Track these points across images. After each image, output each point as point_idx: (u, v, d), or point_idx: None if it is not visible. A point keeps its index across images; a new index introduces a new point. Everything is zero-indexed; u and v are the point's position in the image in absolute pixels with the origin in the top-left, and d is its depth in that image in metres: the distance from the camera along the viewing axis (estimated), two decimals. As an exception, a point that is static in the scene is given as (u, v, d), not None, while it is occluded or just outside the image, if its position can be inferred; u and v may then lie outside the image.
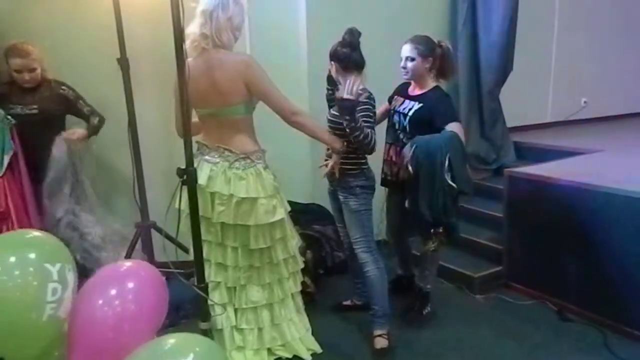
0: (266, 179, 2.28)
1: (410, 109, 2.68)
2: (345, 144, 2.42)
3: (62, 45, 3.09)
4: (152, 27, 3.10)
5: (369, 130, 2.37)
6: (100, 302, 1.64)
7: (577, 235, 2.86)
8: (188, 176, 2.03)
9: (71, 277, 1.63)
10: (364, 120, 2.38)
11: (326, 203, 3.08)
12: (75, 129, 2.91)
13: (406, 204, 2.66)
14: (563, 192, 2.91)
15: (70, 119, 3.03)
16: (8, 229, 2.61)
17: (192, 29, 2.14)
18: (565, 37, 4.86)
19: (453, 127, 2.56)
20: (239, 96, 2.17)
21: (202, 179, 2.20)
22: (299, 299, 2.60)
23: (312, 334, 2.62)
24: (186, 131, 2.04)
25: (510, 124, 4.31)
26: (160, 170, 3.27)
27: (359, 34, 2.49)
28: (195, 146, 2.31)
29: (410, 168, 2.50)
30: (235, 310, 2.44)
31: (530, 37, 4.34)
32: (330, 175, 2.55)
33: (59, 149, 2.80)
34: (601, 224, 2.74)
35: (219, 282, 2.40)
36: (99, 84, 3.13)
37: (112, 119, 3.12)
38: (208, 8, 2.12)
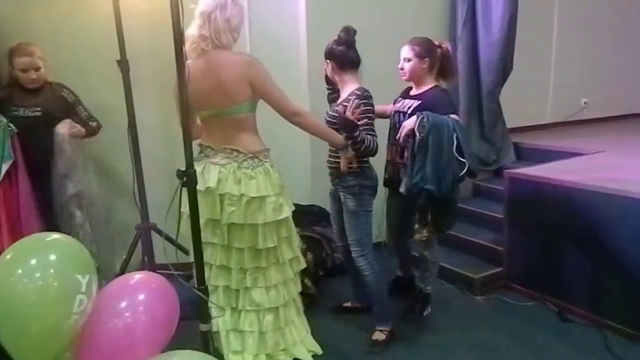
0: (274, 177, 2.28)
1: (409, 107, 2.69)
2: (345, 143, 2.41)
3: (62, 48, 3.09)
4: (151, 29, 3.11)
5: (369, 137, 2.39)
6: (113, 313, 1.64)
7: (578, 236, 2.86)
8: (188, 178, 2.02)
9: (95, 288, 1.62)
10: (364, 123, 2.39)
11: (326, 204, 3.08)
12: (75, 124, 2.90)
13: (403, 187, 2.61)
14: (563, 193, 2.91)
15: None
16: (0, 236, 2.60)
17: (191, 31, 2.14)
18: (565, 38, 4.86)
19: (453, 117, 2.58)
20: (244, 95, 2.17)
21: (211, 182, 2.20)
22: (299, 300, 2.60)
23: (313, 335, 2.61)
24: (186, 132, 2.04)
25: (510, 124, 4.31)
26: (160, 172, 3.26)
27: (355, 32, 2.50)
28: (197, 149, 2.31)
29: (417, 133, 2.47)
30: (239, 313, 2.41)
31: (530, 38, 4.35)
32: (347, 169, 2.48)
33: (59, 134, 2.82)
34: (601, 225, 2.74)
35: (217, 286, 2.38)
36: (99, 86, 3.13)
37: (112, 121, 3.12)
38: (206, 10, 2.12)
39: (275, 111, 2.22)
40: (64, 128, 2.82)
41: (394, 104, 2.84)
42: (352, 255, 2.62)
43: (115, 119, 3.08)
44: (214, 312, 2.33)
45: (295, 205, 2.89)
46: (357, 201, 2.54)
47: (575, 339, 2.70)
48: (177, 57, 1.93)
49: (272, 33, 3.38)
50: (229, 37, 2.17)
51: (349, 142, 2.37)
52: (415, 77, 2.70)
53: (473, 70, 4.05)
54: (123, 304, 1.69)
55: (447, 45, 2.71)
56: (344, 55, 2.48)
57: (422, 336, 2.78)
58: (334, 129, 2.47)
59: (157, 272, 2.84)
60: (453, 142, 2.48)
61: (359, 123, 2.37)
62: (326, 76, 2.64)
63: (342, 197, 2.59)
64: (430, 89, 2.69)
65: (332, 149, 2.57)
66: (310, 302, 3.00)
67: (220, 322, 2.40)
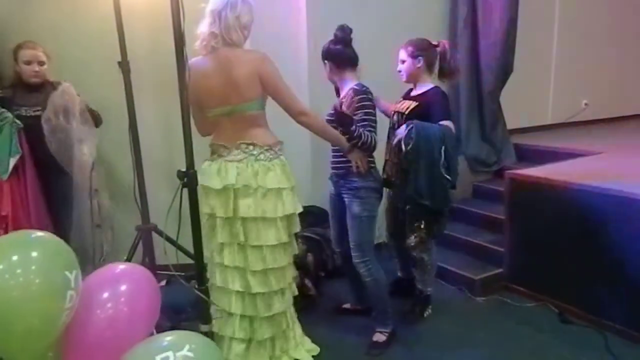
0: (288, 170, 2.28)
1: (407, 108, 2.70)
2: (348, 145, 2.41)
3: (64, 49, 3.10)
4: (152, 30, 3.12)
5: (366, 132, 2.39)
6: (94, 304, 1.66)
7: (578, 237, 2.86)
8: (189, 179, 2.02)
9: (81, 283, 1.65)
10: (363, 119, 2.40)
11: (327, 205, 3.08)
12: None
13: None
14: (564, 194, 2.91)
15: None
16: (5, 234, 2.61)
17: (202, 29, 2.15)
18: (566, 39, 4.87)
19: (445, 124, 2.59)
20: (255, 92, 2.17)
21: (230, 179, 2.18)
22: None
23: (312, 336, 2.61)
24: (187, 134, 2.04)
25: (510, 125, 4.32)
26: (161, 173, 3.27)
27: (350, 30, 2.51)
28: (203, 151, 2.31)
29: (403, 146, 2.51)
30: (253, 320, 2.33)
31: (530, 39, 4.36)
32: (358, 169, 2.47)
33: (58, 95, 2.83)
34: (602, 226, 2.74)
35: (231, 290, 2.32)
36: (100, 87, 3.14)
37: (113, 122, 3.13)
38: (217, 8, 2.12)
39: (284, 110, 2.21)
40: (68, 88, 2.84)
41: (396, 103, 2.85)
42: (353, 260, 2.61)
43: (116, 119, 3.08)
44: (216, 313, 2.32)
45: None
46: (363, 205, 2.52)
47: (575, 341, 2.70)
48: (178, 57, 1.94)
49: (273, 33, 3.38)
50: (239, 34, 2.16)
51: (347, 136, 2.37)
52: (412, 77, 2.71)
53: (473, 71, 4.06)
54: (105, 295, 1.70)
55: (445, 43, 2.70)
56: (341, 54, 2.49)
57: (423, 337, 2.78)
58: (332, 126, 2.46)
59: (158, 273, 2.87)
60: (441, 155, 2.52)
61: (355, 117, 2.37)
62: (339, 115, 2.61)
63: (346, 200, 2.58)
64: (429, 90, 2.69)
65: (335, 150, 2.57)
66: (311, 304, 3.00)
67: (226, 329, 2.37)
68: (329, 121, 2.52)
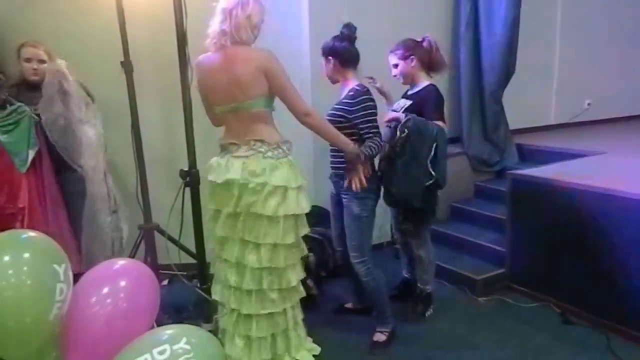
0: (297, 169, 2.26)
1: (402, 107, 2.73)
2: (357, 152, 2.38)
3: (66, 49, 3.10)
4: (155, 30, 3.12)
5: (370, 144, 2.41)
6: (94, 300, 1.66)
7: (581, 237, 2.85)
8: (191, 178, 2.03)
9: (71, 277, 1.67)
10: (367, 120, 2.41)
11: (328, 205, 3.09)
12: None
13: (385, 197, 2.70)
14: (566, 194, 2.90)
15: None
16: (22, 226, 2.64)
17: (212, 26, 2.15)
18: (569, 39, 4.85)
19: (439, 125, 2.62)
20: (260, 89, 2.15)
21: (232, 173, 2.17)
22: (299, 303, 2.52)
23: (314, 335, 2.61)
24: (189, 132, 2.05)
25: (512, 126, 4.31)
26: (163, 172, 3.28)
27: (355, 28, 2.51)
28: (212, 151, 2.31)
29: (398, 132, 2.54)
30: (249, 317, 2.32)
31: (533, 39, 4.35)
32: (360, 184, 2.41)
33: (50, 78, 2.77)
34: (605, 226, 2.74)
35: (230, 285, 2.32)
36: (102, 86, 3.15)
37: (115, 122, 3.13)
38: (228, 6, 2.11)
39: (289, 109, 2.20)
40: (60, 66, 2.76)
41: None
42: (351, 261, 2.61)
43: (118, 119, 3.08)
44: (219, 309, 2.31)
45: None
46: (362, 205, 2.52)
47: (578, 341, 2.69)
48: (180, 57, 1.95)
49: (275, 32, 3.37)
50: (249, 33, 2.16)
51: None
52: (409, 78, 2.75)
53: (476, 71, 4.05)
54: (105, 291, 1.71)
55: (429, 37, 2.72)
56: (347, 52, 2.48)
57: (424, 337, 2.77)
58: (333, 125, 2.45)
59: (160, 273, 2.87)
60: (431, 152, 2.55)
61: (357, 120, 2.40)
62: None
63: (345, 200, 2.58)
64: (424, 88, 2.72)
65: (334, 150, 2.57)
66: (312, 303, 3.00)
67: (228, 324, 2.37)
68: (330, 122, 2.52)
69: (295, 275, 2.36)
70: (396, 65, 2.72)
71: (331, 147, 2.59)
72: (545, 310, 3.00)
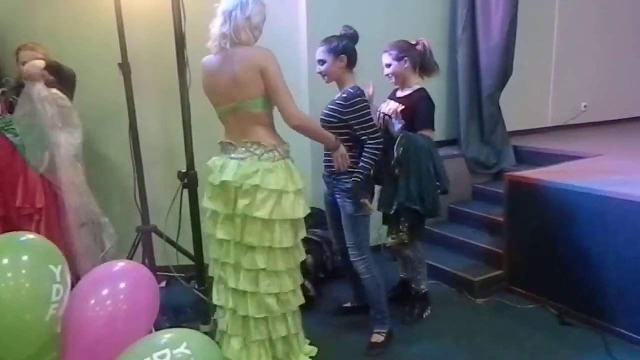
0: (295, 173, 2.24)
1: (395, 111, 2.71)
2: (338, 143, 2.39)
3: (65, 51, 3.11)
4: (154, 32, 3.12)
5: (367, 155, 2.45)
6: (93, 302, 1.66)
7: (578, 239, 2.86)
8: (189, 180, 2.03)
9: (69, 278, 1.66)
10: (365, 121, 2.43)
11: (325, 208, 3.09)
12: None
13: (383, 206, 2.75)
14: (563, 196, 2.92)
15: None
16: (38, 227, 2.65)
17: (213, 29, 2.15)
18: (565, 42, 4.88)
19: (427, 134, 2.68)
20: (257, 89, 2.14)
21: (227, 175, 2.17)
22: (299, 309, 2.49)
23: (312, 337, 2.61)
24: (187, 134, 2.06)
25: (510, 128, 4.32)
26: (161, 174, 3.28)
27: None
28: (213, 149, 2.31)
29: (395, 152, 2.58)
30: (247, 319, 2.31)
31: (530, 41, 4.37)
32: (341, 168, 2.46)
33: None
34: (601, 228, 2.75)
35: (229, 288, 2.31)
36: (101, 88, 3.15)
37: (113, 123, 3.14)
38: (228, 8, 2.11)
39: (279, 111, 2.18)
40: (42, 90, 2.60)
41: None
42: (351, 259, 2.62)
43: (117, 120, 3.09)
44: (218, 311, 2.30)
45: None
46: (356, 205, 2.53)
47: (575, 343, 2.70)
48: (179, 59, 1.95)
49: (273, 34, 3.38)
50: (249, 34, 2.15)
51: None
52: (401, 79, 2.76)
53: (473, 74, 4.07)
54: (104, 293, 1.70)
55: (424, 41, 2.75)
56: (355, 53, 2.51)
57: (422, 339, 2.78)
58: (327, 127, 2.47)
59: (158, 275, 2.86)
60: (430, 165, 2.63)
61: (353, 122, 2.42)
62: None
63: (339, 200, 2.59)
64: (415, 92, 2.74)
65: (327, 149, 2.58)
66: (311, 305, 3.00)
67: (226, 325, 2.36)
68: (323, 121, 2.54)
69: (293, 280, 2.33)
70: (389, 65, 2.73)
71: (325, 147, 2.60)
72: (543, 312, 3.01)
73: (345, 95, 2.46)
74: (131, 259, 3.03)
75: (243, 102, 2.16)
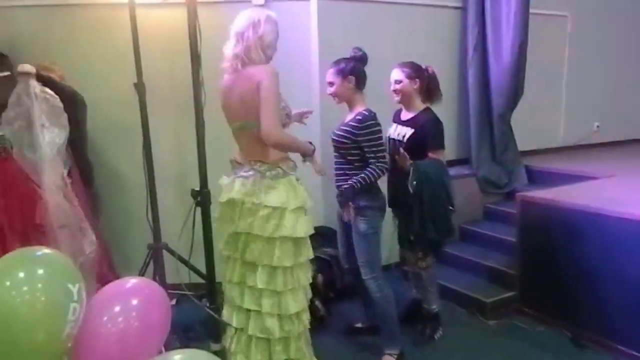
0: (298, 191, 2.22)
1: (404, 136, 2.75)
2: (314, 148, 2.35)
3: (80, 69, 3.17)
4: (169, 52, 3.18)
5: (374, 171, 2.47)
6: (105, 318, 1.66)
7: (591, 260, 2.83)
8: (202, 197, 2.04)
9: (84, 295, 1.67)
10: (372, 145, 2.46)
11: (337, 226, 3.09)
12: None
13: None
14: (576, 216, 2.89)
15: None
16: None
17: (226, 50, 2.17)
18: (577, 61, 4.88)
19: (438, 154, 2.72)
20: (257, 106, 2.10)
21: (233, 193, 2.19)
22: (308, 331, 2.43)
23: (322, 358, 2.58)
24: (201, 152, 2.08)
25: (522, 147, 4.31)
26: (173, 191, 3.30)
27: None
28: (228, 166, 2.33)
29: (410, 187, 2.62)
30: (249, 337, 2.28)
31: (541, 61, 4.38)
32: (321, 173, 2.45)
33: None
34: (615, 249, 2.72)
35: (235, 305, 2.31)
36: (115, 106, 3.20)
37: (127, 141, 3.18)
38: (240, 29, 2.14)
39: (260, 124, 2.09)
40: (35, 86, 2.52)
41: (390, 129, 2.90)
42: (362, 277, 2.61)
43: (130, 138, 3.13)
44: (227, 329, 2.28)
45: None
46: (368, 223, 2.54)
47: (590, 366, 2.66)
48: (194, 79, 1.98)
49: (285, 55, 3.42)
50: (259, 54, 2.16)
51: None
52: (407, 98, 2.78)
53: (484, 94, 4.08)
54: (117, 309, 1.70)
55: (432, 68, 2.80)
56: (364, 74, 2.55)
57: (432, 359, 2.75)
58: (338, 148, 2.55)
59: (169, 292, 2.86)
60: (442, 191, 2.67)
61: (363, 144, 2.46)
62: None
63: (352, 218, 2.59)
64: (423, 113, 2.76)
65: (338, 170, 2.60)
66: (321, 324, 2.98)
67: (232, 343, 2.35)
68: (334, 141, 2.57)
69: (296, 303, 2.25)
70: (399, 82, 2.75)
71: (335, 167, 2.63)
72: (556, 334, 2.96)
73: (359, 118, 2.48)
74: (142, 275, 3.04)
75: (248, 122, 2.17)
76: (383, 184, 2.71)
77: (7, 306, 1.48)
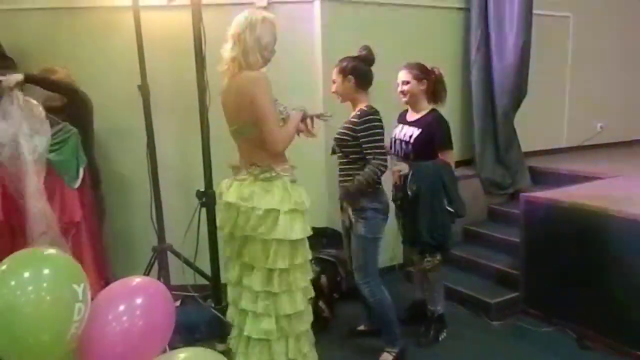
0: (293, 193, 2.20)
1: (410, 136, 2.76)
2: (302, 113, 2.32)
3: (85, 72, 3.18)
4: (173, 54, 3.19)
5: (373, 170, 2.45)
6: (110, 317, 1.67)
7: (595, 260, 2.82)
8: (207, 198, 2.05)
9: (89, 295, 1.68)
10: (370, 141, 2.46)
11: (340, 227, 3.09)
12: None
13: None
14: (581, 217, 2.89)
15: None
16: (80, 239, 2.68)
17: (224, 53, 2.17)
18: (580, 62, 4.87)
19: (446, 154, 2.73)
20: (253, 114, 2.12)
21: (230, 197, 2.20)
22: (311, 333, 2.43)
23: (326, 358, 2.58)
24: (205, 153, 2.09)
25: (525, 148, 4.31)
26: (177, 193, 3.31)
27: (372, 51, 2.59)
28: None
29: (409, 191, 2.64)
30: (248, 339, 2.28)
31: (544, 62, 4.38)
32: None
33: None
34: (619, 250, 2.71)
35: (234, 306, 2.34)
36: (119, 108, 3.21)
37: (131, 142, 3.19)
38: (237, 31, 2.13)
39: (264, 137, 2.13)
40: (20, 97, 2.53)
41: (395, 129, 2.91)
42: (355, 281, 2.61)
43: (134, 140, 3.14)
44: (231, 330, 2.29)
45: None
46: (367, 226, 2.53)
47: (595, 367, 2.65)
48: (199, 80, 1.99)
49: (289, 56, 3.43)
50: (257, 56, 2.15)
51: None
52: (414, 99, 2.79)
53: (487, 94, 4.08)
54: (121, 308, 1.71)
55: (439, 70, 2.81)
56: (366, 73, 2.54)
57: (438, 361, 2.74)
58: (341, 146, 2.56)
59: (174, 293, 2.87)
60: (442, 196, 2.67)
61: (362, 140, 2.46)
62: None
63: (352, 219, 2.59)
64: (429, 113, 2.77)
65: (342, 170, 2.59)
66: (324, 326, 2.98)
67: (234, 344, 2.36)
68: (337, 139, 2.58)
69: (292, 304, 2.23)
70: (406, 83, 2.76)
71: (339, 168, 2.63)
72: (561, 335, 2.95)
73: (358, 113, 2.50)
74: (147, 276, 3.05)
75: (241, 127, 2.19)
76: (387, 184, 2.71)
77: (13, 306, 1.50)
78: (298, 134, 2.35)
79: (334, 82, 2.60)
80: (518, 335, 2.99)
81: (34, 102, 2.62)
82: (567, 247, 2.96)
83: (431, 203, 2.65)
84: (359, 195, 2.50)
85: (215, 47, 2.27)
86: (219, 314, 2.22)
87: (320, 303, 3.05)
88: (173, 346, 1.95)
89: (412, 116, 2.83)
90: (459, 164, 4.11)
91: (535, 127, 4.54)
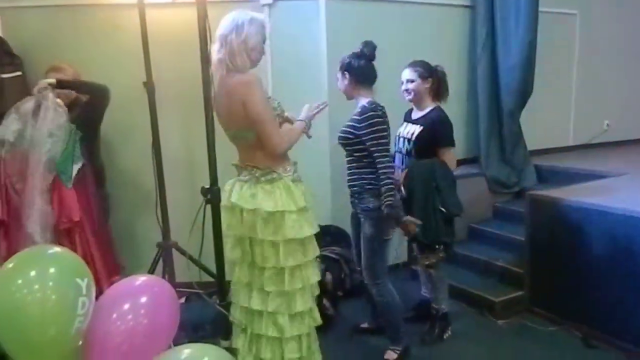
0: (296, 193, 2.18)
1: (412, 133, 2.76)
2: (304, 123, 2.32)
3: (90, 69, 3.19)
4: (178, 51, 3.19)
5: (386, 187, 2.41)
6: (115, 315, 1.67)
7: (601, 259, 2.81)
8: (212, 195, 2.05)
9: (93, 290, 1.69)
10: (374, 138, 2.42)
11: (345, 225, 3.09)
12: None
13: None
14: (586, 215, 2.87)
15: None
16: (80, 239, 2.68)
17: (212, 54, 2.14)
18: (587, 60, 4.84)
19: (446, 152, 2.72)
20: (248, 120, 2.10)
21: (233, 197, 2.20)
22: (314, 329, 2.43)
23: (329, 356, 2.58)
24: (210, 149, 2.09)
25: (531, 146, 4.29)
26: (182, 190, 3.32)
27: (375, 47, 2.54)
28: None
29: (402, 189, 2.63)
30: (259, 338, 2.29)
31: (551, 60, 4.36)
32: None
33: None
34: (625, 248, 2.69)
35: (241, 306, 2.32)
36: (124, 105, 3.22)
37: (136, 139, 3.20)
38: (224, 32, 2.09)
39: (262, 141, 2.12)
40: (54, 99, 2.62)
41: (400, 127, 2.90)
42: (364, 282, 2.61)
43: (139, 137, 3.15)
44: (234, 329, 2.30)
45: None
46: (376, 227, 2.52)
47: (600, 366, 2.64)
48: (204, 77, 1.98)
49: (293, 54, 3.44)
50: (244, 58, 2.10)
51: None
52: (418, 97, 2.79)
53: (493, 92, 4.06)
54: (126, 307, 1.72)
55: (442, 68, 2.81)
56: (364, 70, 2.51)
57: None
58: (344, 145, 2.56)
59: (179, 290, 2.88)
60: (436, 196, 2.64)
61: (365, 137, 2.43)
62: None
63: (361, 219, 2.59)
64: (433, 111, 2.76)
65: (350, 168, 2.59)
66: (329, 324, 2.98)
67: (240, 344, 2.35)
68: (341, 138, 2.56)
69: (304, 301, 2.25)
70: (411, 81, 2.76)
71: (346, 166, 2.62)
72: (566, 334, 2.94)
73: (359, 110, 2.49)
74: (152, 274, 3.07)
75: (238, 132, 2.18)
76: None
77: (19, 302, 1.51)
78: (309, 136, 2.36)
79: (336, 79, 2.61)
80: (523, 334, 2.98)
81: (63, 108, 2.66)
82: (572, 246, 2.95)
83: (424, 202, 2.63)
84: (398, 211, 2.47)
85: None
86: (224, 311, 2.23)
87: (325, 301, 3.06)
88: (178, 342, 1.96)
89: (416, 114, 2.84)
90: (464, 162, 4.10)
91: (542, 126, 4.52)
